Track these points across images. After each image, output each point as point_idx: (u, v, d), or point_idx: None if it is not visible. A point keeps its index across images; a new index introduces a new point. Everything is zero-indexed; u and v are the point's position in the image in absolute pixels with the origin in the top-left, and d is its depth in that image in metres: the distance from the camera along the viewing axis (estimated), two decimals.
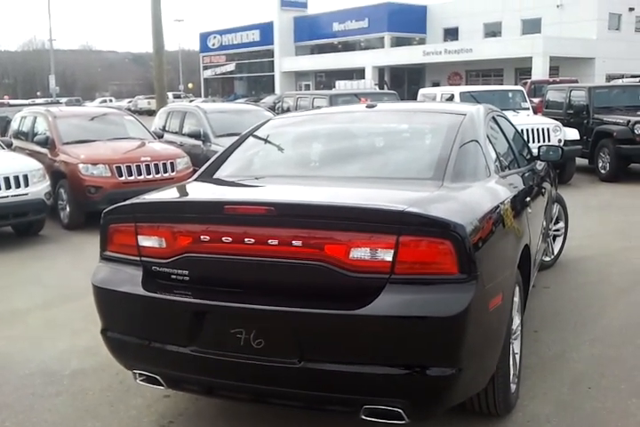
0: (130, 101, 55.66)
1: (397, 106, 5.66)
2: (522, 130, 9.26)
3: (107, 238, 3.25)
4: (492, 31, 45.44)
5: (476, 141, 3.68)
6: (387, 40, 49.24)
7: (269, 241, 2.79)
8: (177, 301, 2.97)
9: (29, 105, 17.01)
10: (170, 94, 39.75)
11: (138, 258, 3.11)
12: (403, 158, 3.88)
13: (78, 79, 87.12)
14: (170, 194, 3.55)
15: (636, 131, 11.62)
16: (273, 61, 55.92)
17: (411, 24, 48.91)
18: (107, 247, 3.26)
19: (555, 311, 5.06)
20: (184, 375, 3.04)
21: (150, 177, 8.86)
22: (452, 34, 48.23)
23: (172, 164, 9.17)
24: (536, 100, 20.05)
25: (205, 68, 65.22)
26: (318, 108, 10.58)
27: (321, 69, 51.97)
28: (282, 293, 2.82)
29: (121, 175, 8.71)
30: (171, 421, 3.50)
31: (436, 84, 39.78)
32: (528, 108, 13.17)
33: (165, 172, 9.06)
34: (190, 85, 66.85)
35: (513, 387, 3.40)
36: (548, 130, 11.62)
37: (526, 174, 4.53)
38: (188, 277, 2.99)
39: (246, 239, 2.83)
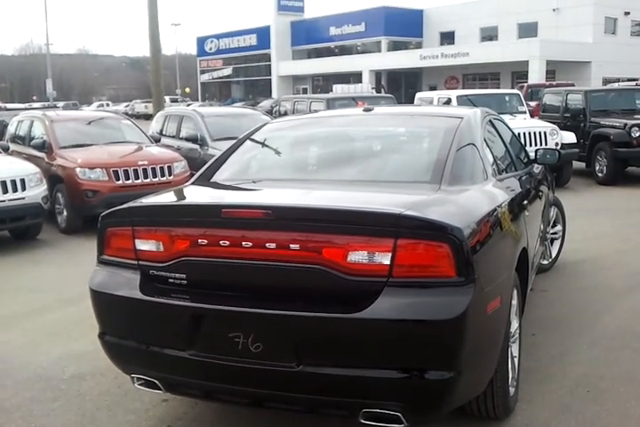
0: (127, 105, 55.63)
1: (394, 109, 5.67)
2: (519, 133, 9.26)
3: (104, 242, 3.24)
4: (489, 35, 45.56)
5: (473, 145, 3.68)
6: (383, 44, 49.34)
7: (267, 245, 2.79)
8: (175, 304, 2.96)
9: (26, 109, 17.01)
10: (167, 98, 39.76)
11: (135, 262, 3.11)
12: (400, 162, 3.88)
13: (75, 83, 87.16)
14: (167, 198, 3.54)
15: (632, 134, 11.65)
16: (270, 65, 55.99)
17: (407, 28, 49.00)
18: (104, 251, 3.25)
19: (552, 314, 5.06)
20: (182, 380, 3.03)
21: (147, 181, 8.85)
22: (448, 38, 48.33)
23: (169, 168, 9.16)
24: (533, 103, 20.08)
25: (202, 72, 65.28)
26: (315, 111, 10.59)
27: (318, 73, 52.05)
28: (279, 296, 2.82)
29: (118, 179, 8.70)
30: (169, 425, 3.49)
31: (432, 88, 39.89)
32: (525, 112, 13.20)
33: (163, 176, 9.04)
34: (187, 90, 66.87)
35: (512, 390, 3.40)
36: (544, 133, 11.64)
37: (523, 178, 4.53)
38: (185, 281, 2.99)
39: (244, 243, 2.83)
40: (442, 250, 2.63)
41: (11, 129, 11.19)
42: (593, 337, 4.59)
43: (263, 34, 56.03)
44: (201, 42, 64.39)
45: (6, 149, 9.53)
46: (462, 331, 2.63)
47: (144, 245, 3.07)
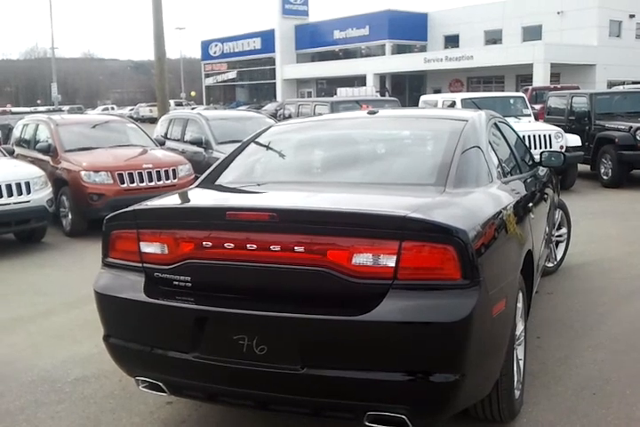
0: (132, 109, 55.82)
1: (399, 112, 5.66)
2: (523, 136, 9.26)
3: (109, 245, 3.25)
4: (493, 38, 45.55)
5: (478, 147, 3.67)
6: (388, 47, 49.39)
7: (272, 247, 2.79)
8: (179, 307, 2.97)
9: (31, 113, 17.06)
10: (172, 102, 39.84)
11: (140, 264, 3.11)
12: (405, 164, 3.88)
13: (80, 87, 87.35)
14: (172, 200, 3.55)
15: (637, 137, 11.63)
16: (274, 69, 56.08)
17: (411, 31, 49.05)
18: (109, 254, 3.26)
19: (557, 317, 5.04)
20: (187, 382, 3.03)
21: (152, 184, 8.87)
22: (452, 41, 48.35)
23: (173, 171, 9.19)
24: (537, 106, 20.08)
25: (207, 75, 65.43)
26: (320, 114, 10.60)
27: (322, 77, 52.09)
28: (284, 299, 2.81)
29: (123, 182, 8.72)
30: None
31: (437, 92, 39.83)
32: (529, 115, 13.18)
33: (167, 179, 9.07)
34: (193, 93, 67.00)
35: (517, 393, 3.39)
36: (549, 136, 11.62)
37: (528, 180, 4.52)
38: (190, 284, 2.99)
39: (248, 245, 2.83)
40: (447, 252, 2.63)
41: (16, 132, 11.24)
42: (598, 340, 4.57)
43: (267, 37, 56.13)
44: (205, 46, 64.55)
45: (12, 153, 9.56)
46: (467, 333, 2.62)
47: (149, 248, 3.08)
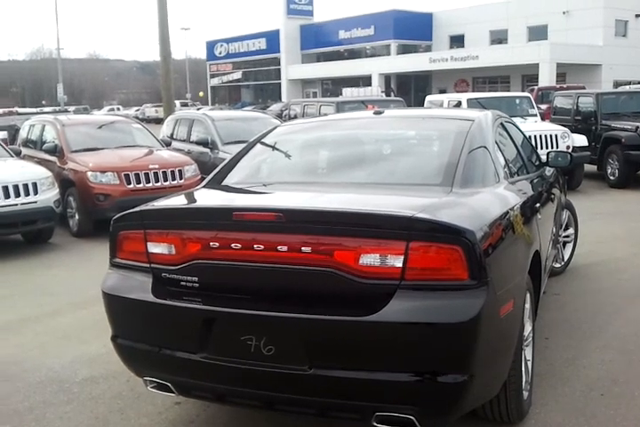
0: (137, 110, 55.92)
1: (405, 112, 5.65)
2: (530, 136, 9.22)
3: (116, 245, 3.25)
4: (498, 38, 45.47)
5: (485, 147, 3.67)
6: (393, 47, 49.34)
7: (279, 247, 2.79)
8: (187, 307, 2.97)
9: (38, 113, 17.11)
10: (177, 102, 39.91)
11: (147, 265, 3.12)
12: (411, 164, 3.87)
13: (86, 88, 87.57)
14: (178, 201, 3.55)
15: None
16: (279, 69, 56.10)
17: (417, 31, 49.00)
18: (116, 254, 3.26)
19: (565, 318, 5.03)
20: (195, 382, 3.03)
21: (159, 185, 8.89)
22: (458, 41, 48.29)
23: (180, 171, 9.20)
24: (543, 106, 20.03)
25: (212, 76, 65.48)
26: (325, 115, 10.59)
27: (327, 77, 52.07)
28: (291, 299, 2.81)
29: (129, 183, 8.74)
30: None
31: (442, 92, 39.80)
32: (536, 115, 13.15)
33: (174, 179, 9.08)
34: (201, 94, 67.05)
35: (525, 394, 3.38)
36: (556, 136, 11.60)
37: (535, 180, 4.51)
38: (197, 284, 2.99)
39: (255, 246, 2.83)
40: (454, 253, 2.62)
41: (23, 133, 11.28)
42: (606, 340, 4.56)
43: (272, 38, 56.15)
44: (210, 46, 64.61)
45: (18, 154, 9.59)
46: (475, 334, 2.61)
47: (156, 249, 3.08)
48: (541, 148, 11.06)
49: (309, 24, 54.90)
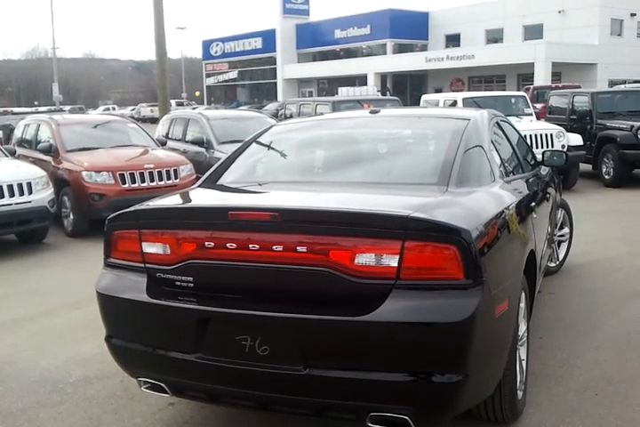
0: (133, 109, 55.82)
1: (401, 111, 5.65)
2: (525, 136, 9.25)
3: (111, 245, 3.24)
4: (494, 37, 45.53)
5: (481, 147, 3.66)
6: (389, 47, 49.37)
7: (274, 247, 2.78)
8: (181, 307, 2.96)
9: (33, 113, 17.06)
10: (173, 102, 39.86)
11: (142, 265, 3.10)
12: (407, 164, 3.87)
13: (81, 87, 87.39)
14: (173, 200, 3.54)
15: (639, 136, 11.60)
16: (275, 68, 56.06)
17: (412, 31, 49.03)
18: (111, 254, 3.25)
19: (559, 317, 5.03)
20: (189, 383, 3.02)
21: (154, 184, 8.87)
22: (453, 40, 48.34)
23: (175, 171, 9.18)
24: (539, 105, 20.06)
25: (208, 75, 65.43)
26: (321, 114, 10.59)
27: (323, 76, 52.06)
28: (286, 299, 2.81)
29: (124, 183, 8.72)
30: None
31: (438, 91, 39.82)
32: (531, 114, 13.18)
33: (169, 179, 9.07)
34: (197, 93, 66.98)
35: (520, 394, 3.38)
36: (551, 135, 11.61)
37: (531, 180, 4.51)
38: (192, 284, 2.98)
39: (250, 245, 2.82)
40: (450, 252, 2.62)
41: (17, 133, 11.25)
42: (600, 340, 4.56)
43: (268, 37, 56.13)
44: (206, 45, 64.58)
45: (13, 153, 9.57)
46: (470, 334, 2.61)
47: (151, 248, 3.07)
48: (537, 147, 11.08)
49: (305, 23, 54.88)
